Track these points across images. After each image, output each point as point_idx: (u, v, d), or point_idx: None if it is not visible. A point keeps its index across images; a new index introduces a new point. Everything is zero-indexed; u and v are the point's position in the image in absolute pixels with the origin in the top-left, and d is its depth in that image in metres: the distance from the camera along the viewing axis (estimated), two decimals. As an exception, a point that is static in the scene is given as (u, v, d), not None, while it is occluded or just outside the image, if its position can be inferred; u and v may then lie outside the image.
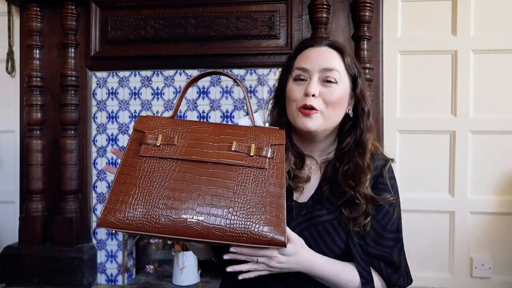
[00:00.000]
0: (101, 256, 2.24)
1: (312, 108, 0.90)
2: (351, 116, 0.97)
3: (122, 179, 0.76)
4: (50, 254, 2.16)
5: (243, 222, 0.72)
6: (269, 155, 0.78)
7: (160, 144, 0.78)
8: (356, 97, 0.96)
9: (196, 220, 0.71)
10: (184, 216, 0.71)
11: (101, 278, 2.23)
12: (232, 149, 0.78)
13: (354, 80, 0.95)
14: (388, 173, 0.96)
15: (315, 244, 0.89)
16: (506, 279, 2.18)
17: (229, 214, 0.72)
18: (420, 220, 2.19)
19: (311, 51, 0.95)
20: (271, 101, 1.03)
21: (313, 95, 0.89)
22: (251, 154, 0.78)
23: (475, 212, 2.19)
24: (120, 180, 0.76)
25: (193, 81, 0.90)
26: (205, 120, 2.18)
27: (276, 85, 1.03)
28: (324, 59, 0.92)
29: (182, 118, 1.01)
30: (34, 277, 2.14)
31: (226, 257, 0.78)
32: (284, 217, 0.74)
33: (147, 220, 0.71)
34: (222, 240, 0.71)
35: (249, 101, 0.86)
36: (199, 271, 2.20)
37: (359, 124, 0.96)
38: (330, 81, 0.91)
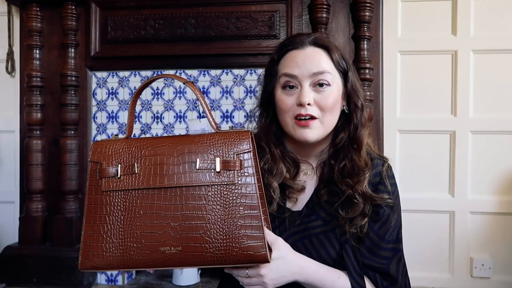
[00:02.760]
0: (101, 256, 2.23)
1: (311, 117, 0.85)
2: (346, 112, 0.92)
3: (91, 219, 0.73)
4: (50, 254, 2.16)
5: (221, 244, 0.69)
6: (236, 167, 0.72)
7: (120, 176, 0.74)
8: (348, 92, 0.91)
9: (174, 251, 0.70)
10: (161, 249, 0.70)
11: (101, 278, 2.23)
12: (197, 168, 0.72)
13: (344, 75, 0.90)
14: (389, 179, 0.91)
15: (308, 255, 0.85)
16: (506, 279, 2.18)
17: (206, 238, 0.69)
18: (420, 220, 2.19)
19: (296, 54, 0.88)
20: (257, 108, 0.97)
21: (308, 104, 0.84)
22: (217, 170, 0.72)
23: (475, 212, 2.19)
24: (89, 221, 0.73)
25: (141, 90, 0.83)
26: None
27: (261, 92, 0.96)
28: (312, 62, 0.86)
29: (136, 137, 0.94)
30: (34, 277, 2.14)
31: (226, 271, 0.78)
32: (262, 231, 0.70)
33: (127, 258, 0.71)
34: (205, 265, 0.70)
35: (206, 104, 0.78)
36: (199, 271, 2.20)
37: (352, 120, 0.90)
38: (323, 84, 0.85)
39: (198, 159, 0.73)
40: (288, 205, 0.91)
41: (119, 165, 0.75)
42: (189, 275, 2.15)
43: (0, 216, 2.47)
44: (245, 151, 0.73)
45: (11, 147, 2.44)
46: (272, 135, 0.92)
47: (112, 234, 0.72)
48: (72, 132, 2.21)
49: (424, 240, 2.20)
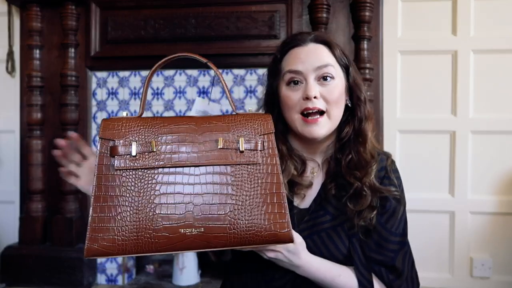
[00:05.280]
0: (101, 256, 2.23)
1: (319, 112, 0.86)
2: (350, 106, 0.94)
3: (101, 200, 0.68)
4: (50, 254, 2.16)
5: (245, 225, 0.68)
6: (259, 147, 0.72)
7: (136, 154, 0.69)
8: (350, 86, 0.92)
9: (196, 233, 0.66)
10: (182, 231, 0.66)
11: (101, 278, 2.23)
12: (219, 147, 0.71)
13: (346, 70, 0.92)
14: (394, 173, 0.92)
15: (318, 251, 0.86)
16: (506, 279, 2.18)
17: (230, 218, 0.67)
18: (420, 220, 2.19)
19: (298, 51, 0.89)
20: (261, 109, 0.98)
21: (315, 97, 0.85)
22: (241, 150, 0.71)
23: (475, 212, 2.19)
24: (98, 202, 0.68)
25: (156, 68, 0.83)
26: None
27: (265, 92, 0.98)
28: (315, 56, 0.87)
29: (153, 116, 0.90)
30: (34, 277, 2.14)
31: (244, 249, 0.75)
32: (286, 210, 0.70)
33: (142, 241, 0.65)
34: (227, 246, 0.68)
35: (226, 84, 0.81)
36: (199, 271, 2.20)
37: (356, 113, 0.92)
38: (327, 77, 0.87)
39: (221, 138, 0.71)
40: (296, 202, 0.92)
41: (134, 142, 0.70)
42: (189, 275, 2.15)
43: (0, 216, 2.47)
44: (267, 132, 0.74)
45: (11, 147, 2.44)
46: (279, 133, 0.93)
47: (125, 217, 0.66)
48: (72, 132, 2.21)
49: (424, 240, 2.20)
